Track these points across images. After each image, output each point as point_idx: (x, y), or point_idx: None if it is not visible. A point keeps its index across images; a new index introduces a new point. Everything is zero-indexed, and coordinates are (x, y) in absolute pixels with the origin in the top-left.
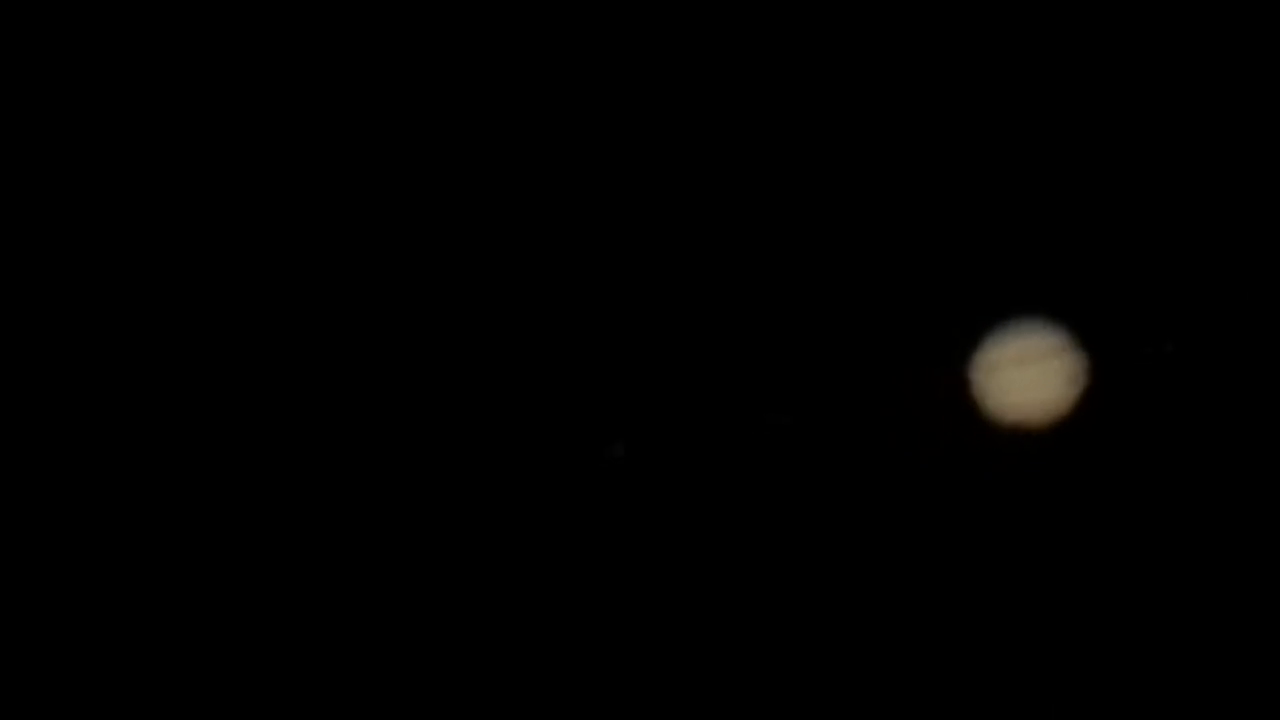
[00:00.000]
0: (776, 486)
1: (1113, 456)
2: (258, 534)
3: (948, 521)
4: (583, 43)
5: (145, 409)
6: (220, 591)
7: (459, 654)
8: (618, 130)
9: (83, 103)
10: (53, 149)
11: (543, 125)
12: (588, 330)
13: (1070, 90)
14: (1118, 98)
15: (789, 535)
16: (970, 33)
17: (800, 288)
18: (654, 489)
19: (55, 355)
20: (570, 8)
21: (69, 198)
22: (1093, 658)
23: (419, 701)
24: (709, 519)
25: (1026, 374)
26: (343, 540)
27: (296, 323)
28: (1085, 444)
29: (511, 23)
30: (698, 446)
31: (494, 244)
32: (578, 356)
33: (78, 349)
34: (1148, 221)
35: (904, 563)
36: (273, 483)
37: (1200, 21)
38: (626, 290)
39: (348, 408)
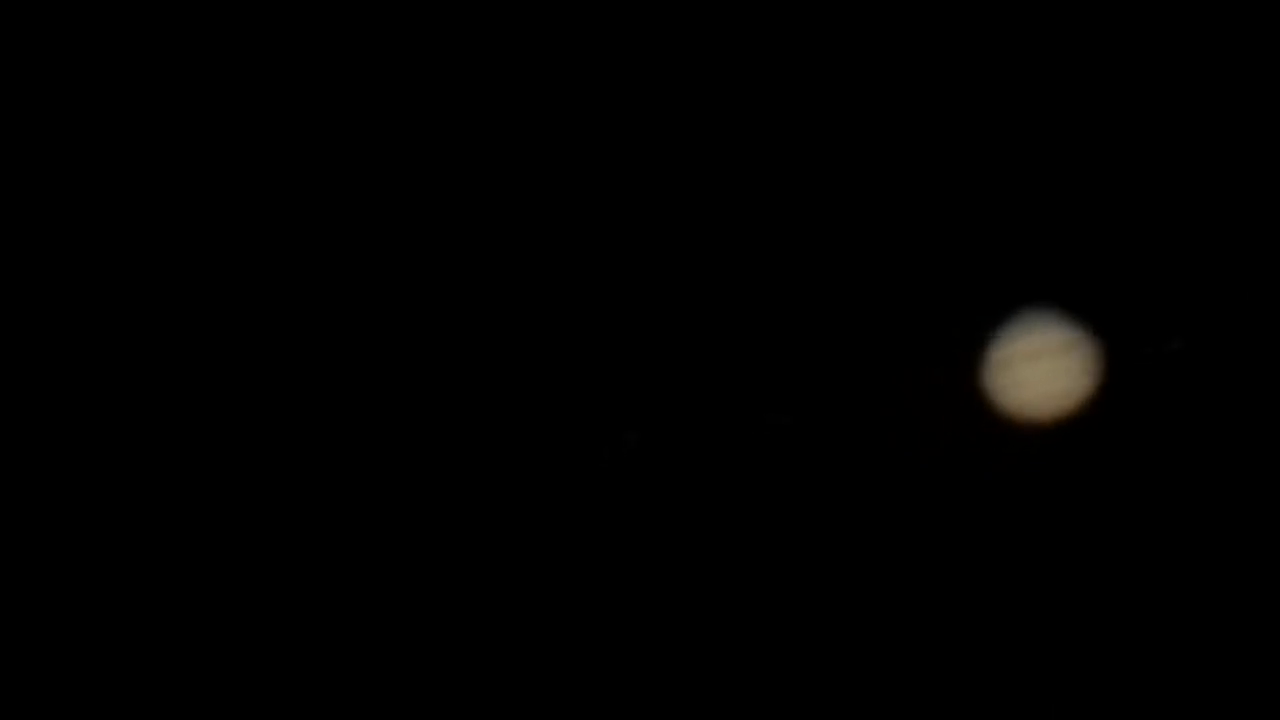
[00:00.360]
0: (776, 486)
1: (1121, 451)
2: (261, 529)
3: (952, 519)
4: (583, 43)
5: (145, 409)
6: (220, 591)
7: (467, 636)
8: (626, 134)
9: (83, 103)
10: (53, 149)
11: (553, 127)
12: (588, 331)
13: (1079, 87)
14: (1126, 95)
15: (789, 534)
16: (973, 29)
17: (801, 287)
18: (653, 491)
19: (55, 355)
20: (570, 8)
21: (69, 198)
22: (1105, 652)
23: (421, 696)
24: (709, 519)
25: (1036, 369)
26: (350, 532)
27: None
28: (1093, 439)
29: (511, 23)
30: (698, 446)
31: (498, 250)
32: (578, 357)
33: (78, 349)
34: (1157, 217)
35: (907, 562)
36: (308, 465)
37: (1202, 21)
38: (627, 291)
39: (365, 398)
